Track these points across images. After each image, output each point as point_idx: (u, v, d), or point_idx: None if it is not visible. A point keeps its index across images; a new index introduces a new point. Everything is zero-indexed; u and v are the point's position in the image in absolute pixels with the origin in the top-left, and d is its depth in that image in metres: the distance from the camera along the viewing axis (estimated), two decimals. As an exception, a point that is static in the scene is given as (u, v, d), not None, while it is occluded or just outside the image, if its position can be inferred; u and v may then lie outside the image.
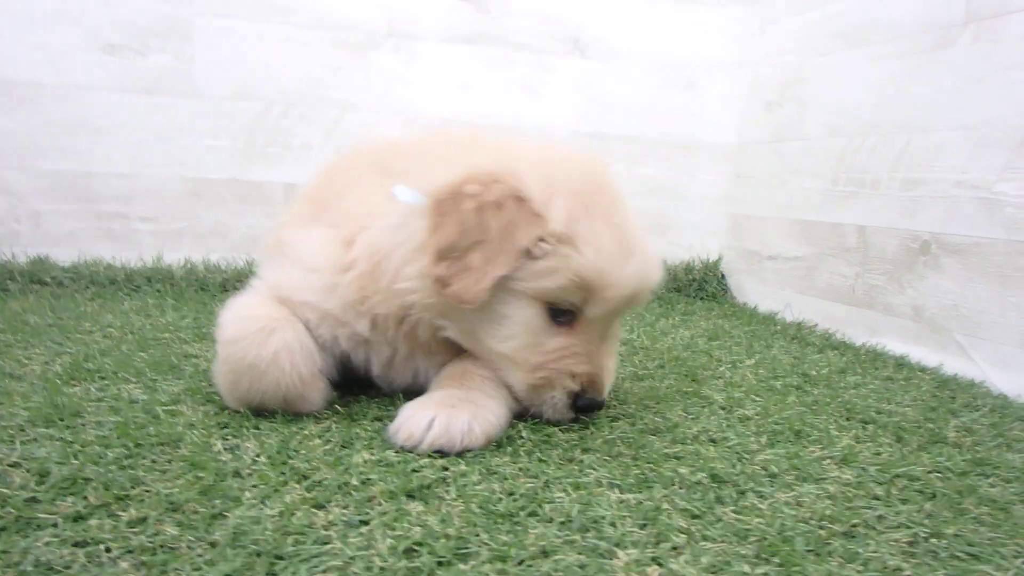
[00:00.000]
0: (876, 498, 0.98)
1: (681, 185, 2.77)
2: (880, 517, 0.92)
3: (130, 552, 0.73)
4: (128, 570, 0.70)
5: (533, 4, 2.57)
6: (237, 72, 2.36)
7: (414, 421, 1.05)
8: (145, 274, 2.26)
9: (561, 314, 1.13)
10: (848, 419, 1.32)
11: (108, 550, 0.73)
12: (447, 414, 1.06)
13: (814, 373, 1.64)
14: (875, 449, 1.16)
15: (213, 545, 0.75)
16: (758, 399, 1.41)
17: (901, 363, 1.79)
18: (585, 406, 1.15)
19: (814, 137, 2.29)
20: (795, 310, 2.33)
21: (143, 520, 0.80)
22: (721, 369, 1.65)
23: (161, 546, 0.74)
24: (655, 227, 2.78)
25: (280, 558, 0.74)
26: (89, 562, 0.71)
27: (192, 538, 0.77)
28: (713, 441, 1.17)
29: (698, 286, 2.73)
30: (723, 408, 1.35)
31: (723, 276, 2.76)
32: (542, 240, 1.07)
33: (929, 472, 1.07)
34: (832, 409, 1.37)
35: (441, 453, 1.04)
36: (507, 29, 2.56)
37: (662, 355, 1.76)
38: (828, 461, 1.10)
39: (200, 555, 0.73)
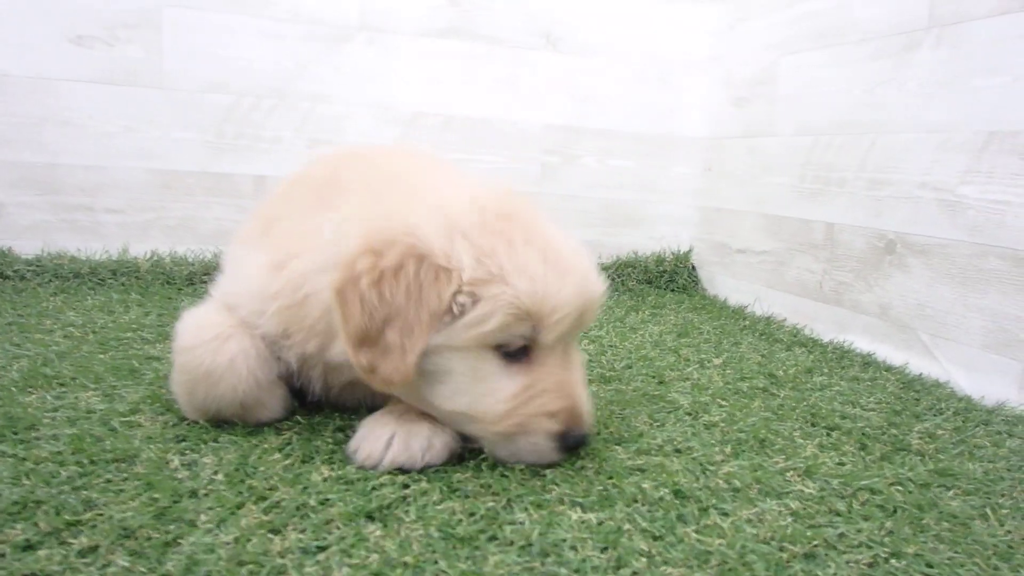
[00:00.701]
0: (837, 514, 0.98)
1: (654, 178, 2.77)
2: (841, 535, 0.92)
3: (77, 588, 0.71)
4: None
5: (506, 1, 2.54)
6: (208, 64, 2.33)
7: (372, 439, 1.03)
8: (110, 267, 2.23)
9: (513, 353, 1.03)
10: (813, 424, 1.33)
11: (56, 584, 0.71)
12: (407, 430, 1.04)
13: (781, 373, 1.64)
14: (838, 459, 1.17)
15: (165, 578, 0.73)
16: (724, 404, 1.42)
17: (868, 362, 1.80)
18: (575, 444, 1.05)
19: (783, 134, 2.29)
20: (764, 304, 2.34)
21: (94, 549, 0.78)
22: (689, 370, 1.65)
23: (110, 581, 0.72)
24: (627, 219, 2.77)
25: None
26: (33, 601, 0.69)
27: (144, 569, 0.75)
28: (678, 451, 1.17)
29: (669, 278, 2.73)
30: (689, 414, 1.35)
31: (694, 268, 2.76)
32: (458, 294, 0.98)
33: (891, 484, 1.08)
34: (798, 414, 1.37)
35: (402, 470, 1.02)
36: (481, 23, 2.54)
37: (630, 354, 1.76)
38: (791, 473, 1.10)
39: (149, 590, 0.71)
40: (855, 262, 1.98)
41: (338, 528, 0.86)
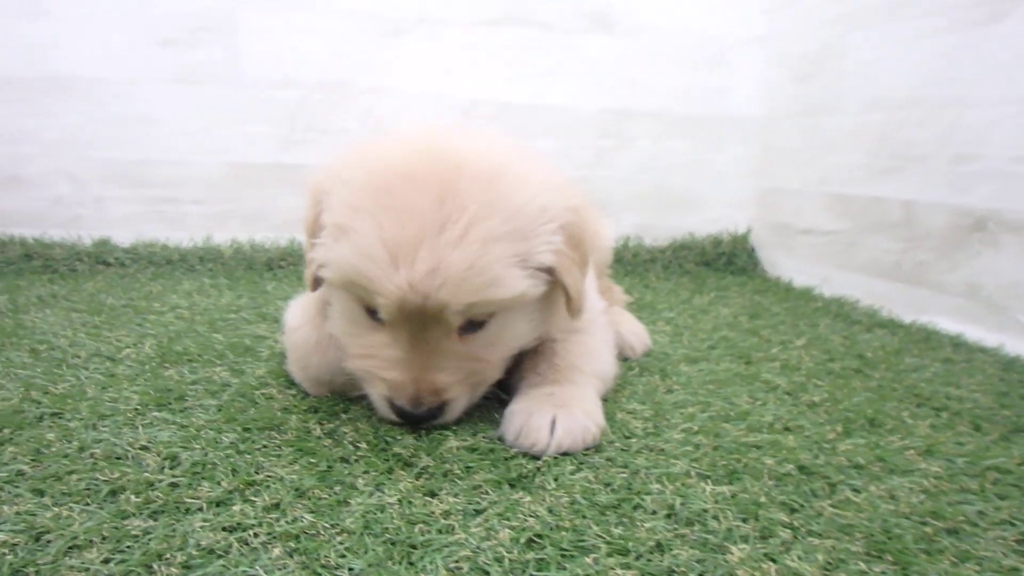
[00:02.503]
0: (971, 492, 1.00)
1: (708, 160, 2.78)
2: (980, 513, 0.94)
3: (276, 538, 0.77)
4: (282, 556, 0.73)
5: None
6: (278, 62, 2.46)
7: (535, 425, 1.05)
8: (197, 254, 2.43)
9: (372, 311, 1.05)
10: (919, 405, 1.34)
11: (256, 535, 0.76)
12: (565, 413, 1.06)
13: (870, 355, 1.65)
14: (956, 439, 1.18)
15: (348, 532, 0.79)
16: (821, 384, 1.43)
17: (957, 343, 1.80)
18: (399, 413, 1.06)
19: (851, 111, 2.28)
20: (833, 285, 2.34)
21: (277, 506, 0.84)
22: (774, 350, 1.66)
23: (303, 532, 0.78)
24: (682, 201, 2.78)
25: (414, 547, 0.77)
26: (243, 547, 0.75)
27: (327, 524, 0.81)
28: (788, 429, 1.19)
29: (727, 260, 2.74)
30: (788, 393, 1.37)
31: (753, 249, 2.77)
32: (321, 230, 1.05)
33: (1020, 464, 1.09)
34: (899, 395, 1.39)
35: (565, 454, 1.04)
36: (534, 10, 2.57)
37: (710, 335, 1.78)
38: (911, 452, 1.12)
39: (341, 542, 0.77)
40: (937, 240, 1.98)
41: (487, 494, 0.90)
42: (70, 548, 0.74)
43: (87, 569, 0.71)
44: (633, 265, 2.70)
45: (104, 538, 0.76)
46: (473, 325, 1.05)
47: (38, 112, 2.31)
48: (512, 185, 1.01)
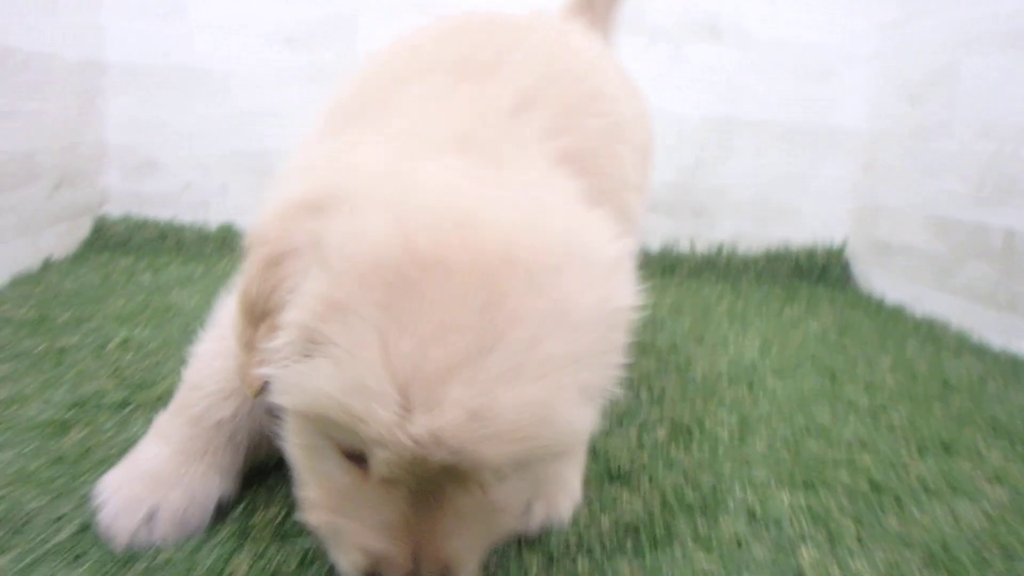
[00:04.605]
0: (1030, 519, 1.13)
1: (809, 173, 2.85)
2: (1035, 538, 1.07)
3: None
4: None
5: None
6: None
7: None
8: None
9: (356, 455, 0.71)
10: (995, 434, 1.45)
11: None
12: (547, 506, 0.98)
13: (953, 380, 1.76)
14: (1024, 469, 1.30)
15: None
16: (901, 407, 1.55)
17: (1043, 376, 1.89)
18: None
19: (960, 137, 2.34)
20: (925, 305, 2.42)
21: None
22: (858, 370, 1.79)
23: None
24: (779, 212, 2.88)
25: None
26: None
27: None
28: (866, 447, 1.33)
29: (820, 272, 2.83)
30: (869, 414, 1.50)
31: (847, 264, 2.85)
32: (277, 329, 0.71)
33: (1081, 498, 1.21)
34: (978, 423, 1.50)
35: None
36: (644, 17, 2.69)
37: (798, 350, 1.91)
38: (981, 479, 1.24)
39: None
40: (1034, 273, 2.04)
41: (594, 489, 1.08)
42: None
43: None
44: (725, 272, 2.82)
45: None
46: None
47: (173, 103, 2.58)
48: (579, 283, 0.70)
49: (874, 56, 2.75)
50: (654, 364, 1.72)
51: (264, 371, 0.71)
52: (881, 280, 2.69)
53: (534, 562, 0.91)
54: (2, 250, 1.90)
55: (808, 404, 1.52)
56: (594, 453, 1.19)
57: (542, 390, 0.65)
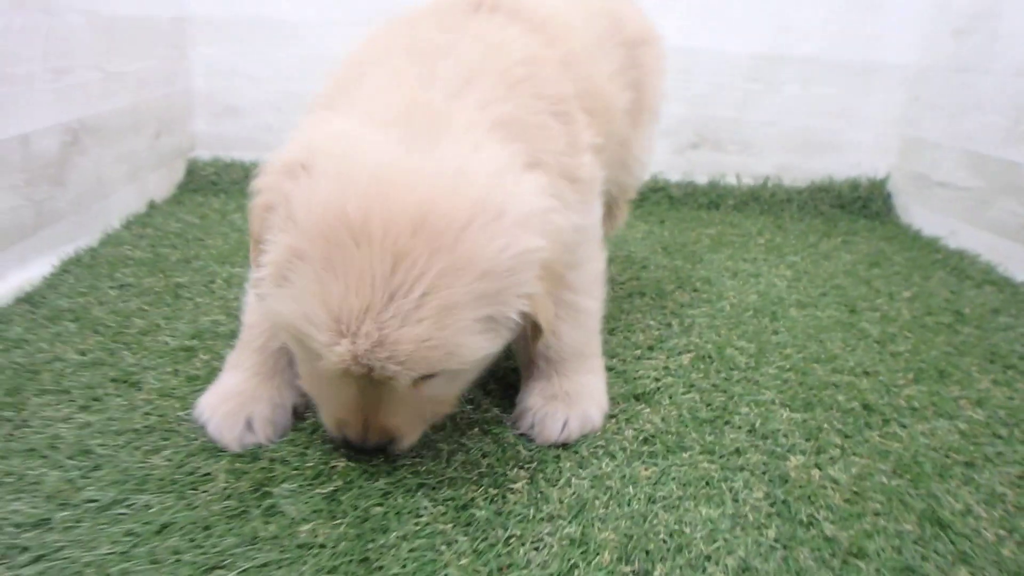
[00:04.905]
0: (999, 437, 1.31)
1: (856, 106, 2.92)
2: (999, 453, 1.25)
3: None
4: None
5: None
6: None
7: (549, 427, 1.21)
8: None
9: None
10: (991, 362, 1.61)
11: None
12: (577, 415, 1.22)
13: (967, 311, 1.90)
14: (1009, 394, 1.46)
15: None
16: (910, 336, 1.72)
17: (1056, 308, 2.01)
18: (346, 446, 1.07)
19: (1000, 72, 2.40)
20: (959, 238, 2.53)
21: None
22: (879, 301, 1.94)
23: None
24: (825, 145, 2.97)
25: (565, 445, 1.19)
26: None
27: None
28: (867, 373, 1.51)
29: (862, 204, 2.93)
30: (877, 342, 1.67)
31: (889, 196, 2.95)
32: (264, 254, 0.95)
33: (1050, 419, 1.38)
34: (978, 352, 1.66)
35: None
36: None
37: (824, 282, 2.07)
38: (964, 401, 1.42)
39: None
40: (1060, 209, 2.14)
41: (618, 403, 1.31)
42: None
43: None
44: (769, 205, 2.94)
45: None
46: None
47: (249, 51, 2.77)
48: (483, 238, 0.89)
49: (922, -10, 2.77)
50: (688, 297, 1.90)
51: (258, 280, 0.96)
52: (920, 213, 2.79)
53: (568, 463, 1.14)
54: (116, 196, 2.18)
55: (823, 334, 1.70)
56: (623, 376, 1.42)
57: (431, 330, 0.88)
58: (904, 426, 1.32)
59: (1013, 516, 1.09)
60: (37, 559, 0.88)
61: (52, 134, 1.80)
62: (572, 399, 1.22)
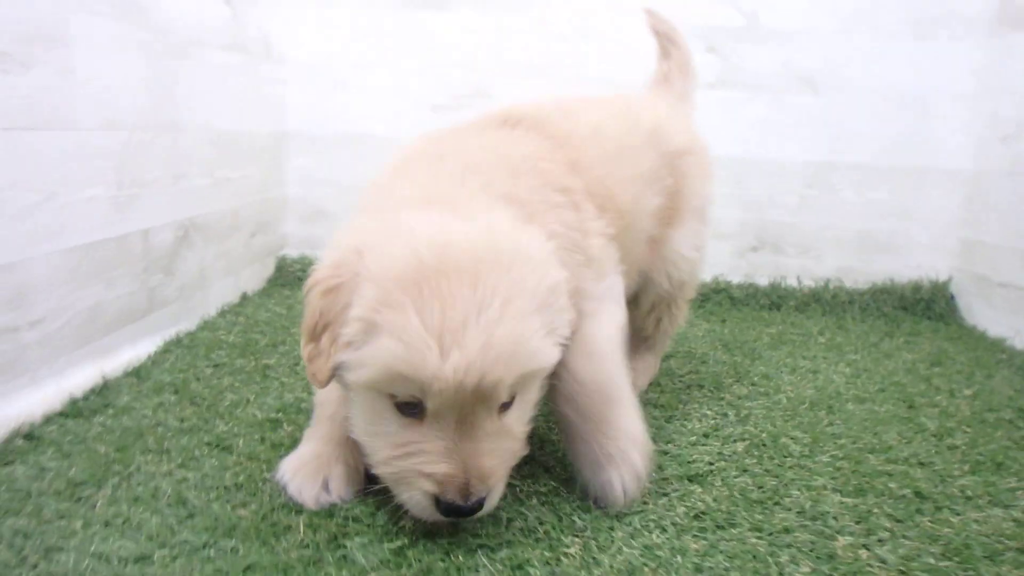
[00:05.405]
0: (1055, 526, 1.30)
1: (911, 209, 2.98)
2: (1053, 541, 1.25)
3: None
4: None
5: (769, 50, 2.92)
6: None
7: (611, 497, 1.27)
8: None
9: (407, 406, 1.08)
10: (1051, 458, 1.60)
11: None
12: (628, 472, 1.27)
13: (1030, 410, 1.89)
14: (1068, 487, 1.46)
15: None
16: (968, 430, 1.72)
17: (1123, 409, 1.97)
18: (447, 511, 1.08)
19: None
20: (1025, 339, 2.51)
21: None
22: (938, 398, 1.95)
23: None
24: (883, 247, 3.02)
25: (628, 514, 1.24)
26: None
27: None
28: (922, 464, 1.52)
29: (925, 305, 2.94)
30: (935, 435, 1.68)
31: (952, 297, 2.95)
32: (347, 328, 1.06)
33: (1110, 512, 1.37)
34: (1038, 447, 1.65)
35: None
36: (745, 73, 2.94)
37: (883, 379, 2.09)
38: (1021, 492, 1.42)
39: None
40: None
41: (671, 484, 1.36)
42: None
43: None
44: (831, 306, 2.97)
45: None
46: (506, 404, 1.12)
47: (337, 162, 3.03)
48: (526, 267, 1.09)
49: (970, 97, 2.86)
50: (746, 390, 1.95)
51: (337, 359, 1.07)
52: (984, 314, 2.78)
53: (620, 533, 1.20)
54: (214, 287, 2.38)
55: (879, 427, 1.71)
56: (677, 459, 1.47)
57: (518, 328, 1.04)
58: (957, 513, 1.33)
59: (1064, 601, 1.09)
60: (140, 588, 0.98)
61: (168, 230, 2.02)
62: (615, 459, 1.26)
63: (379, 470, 1.13)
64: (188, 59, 2.10)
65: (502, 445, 1.11)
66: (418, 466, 1.07)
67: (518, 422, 1.15)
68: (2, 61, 1.39)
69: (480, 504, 1.08)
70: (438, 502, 1.07)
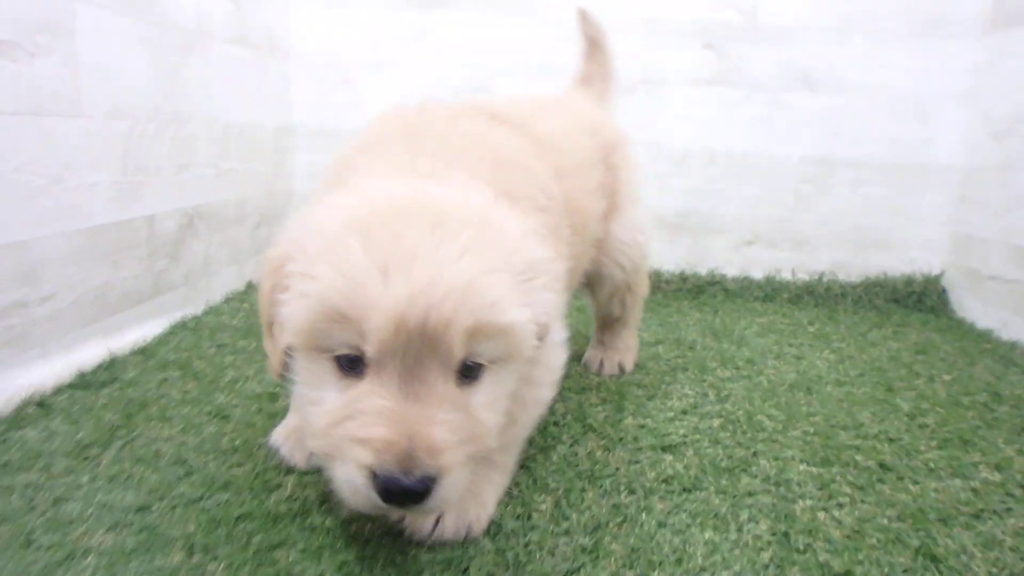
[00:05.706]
0: (1011, 495, 1.36)
1: (906, 205, 3.04)
2: (1008, 509, 1.30)
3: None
4: None
5: (767, 48, 2.98)
6: None
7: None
8: None
9: (348, 364, 0.91)
10: (1020, 434, 1.66)
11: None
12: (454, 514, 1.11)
13: (1006, 393, 1.94)
14: (1030, 461, 1.52)
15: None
16: (941, 411, 1.78)
17: (1098, 394, 2.02)
18: (387, 488, 0.85)
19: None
20: (1011, 330, 2.55)
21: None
22: (917, 382, 2.00)
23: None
24: (878, 243, 3.07)
25: (598, 477, 1.32)
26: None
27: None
28: (890, 440, 1.58)
29: (917, 299, 2.99)
30: (907, 416, 1.74)
31: (944, 291, 3.00)
32: (287, 293, 0.94)
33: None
34: (1009, 426, 1.70)
35: None
36: (744, 72, 3.00)
37: (865, 365, 2.15)
38: (983, 465, 1.48)
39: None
40: (1103, 299, 2.18)
41: (644, 452, 1.43)
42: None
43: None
44: (824, 299, 3.03)
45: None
46: (469, 374, 0.94)
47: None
48: (501, 235, 0.97)
49: (964, 96, 2.91)
50: (729, 373, 2.01)
51: (280, 312, 0.95)
52: (975, 307, 2.83)
53: (590, 493, 1.27)
54: (220, 275, 2.47)
55: (855, 407, 1.78)
56: (653, 432, 1.54)
57: (477, 275, 0.89)
58: (917, 483, 1.39)
59: (1008, 558, 1.15)
60: (140, 531, 1.07)
61: (172, 217, 2.11)
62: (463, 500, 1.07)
63: (313, 445, 0.94)
64: (193, 52, 2.19)
65: (459, 421, 0.90)
66: (355, 431, 0.87)
67: (485, 408, 0.96)
68: (9, 49, 1.48)
69: (427, 485, 0.85)
70: (375, 477, 0.85)
